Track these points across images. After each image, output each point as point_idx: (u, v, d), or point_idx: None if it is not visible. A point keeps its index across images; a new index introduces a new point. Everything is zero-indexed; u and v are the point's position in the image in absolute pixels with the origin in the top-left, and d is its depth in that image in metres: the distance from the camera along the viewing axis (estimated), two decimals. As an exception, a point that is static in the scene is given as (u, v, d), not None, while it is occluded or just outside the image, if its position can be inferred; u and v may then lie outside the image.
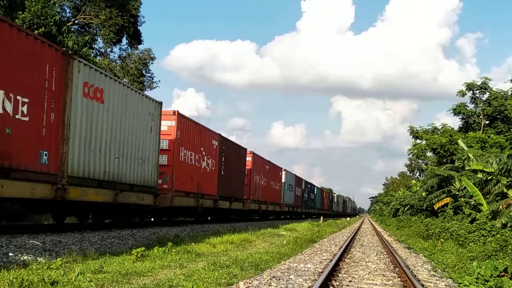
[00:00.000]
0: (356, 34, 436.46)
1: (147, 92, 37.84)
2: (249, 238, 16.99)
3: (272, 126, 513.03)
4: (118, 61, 39.32)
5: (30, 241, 9.78)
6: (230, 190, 24.28)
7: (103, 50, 39.07)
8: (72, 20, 36.32)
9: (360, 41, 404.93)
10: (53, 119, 10.76)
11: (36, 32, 22.27)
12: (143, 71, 38.44)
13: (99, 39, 37.69)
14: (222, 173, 22.96)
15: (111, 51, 39.14)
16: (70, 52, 11.74)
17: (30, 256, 9.07)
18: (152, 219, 20.20)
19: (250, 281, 8.25)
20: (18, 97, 9.64)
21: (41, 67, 10.38)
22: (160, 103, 16.20)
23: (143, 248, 10.60)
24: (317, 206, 61.57)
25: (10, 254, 8.88)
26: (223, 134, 23.03)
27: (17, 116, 9.64)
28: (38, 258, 9.10)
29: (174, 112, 17.58)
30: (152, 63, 39.43)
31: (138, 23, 37.48)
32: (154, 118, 15.73)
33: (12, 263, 8.42)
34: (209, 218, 24.18)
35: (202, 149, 20.18)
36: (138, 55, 38.66)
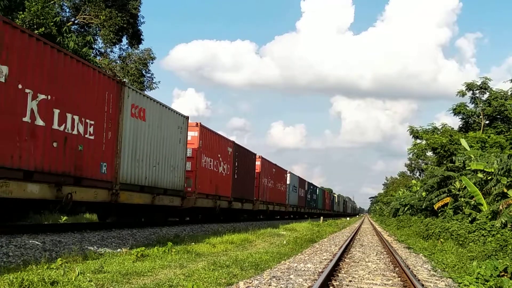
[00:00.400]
0: (356, 34, 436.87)
1: (147, 92, 38.04)
2: (249, 238, 17.00)
3: (272, 126, 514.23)
4: (118, 61, 39.33)
5: (30, 241, 9.78)
6: (242, 192, 26.79)
7: (103, 50, 39.08)
8: (72, 20, 36.32)
9: (360, 41, 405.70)
10: (110, 136, 13.25)
11: (36, 32, 22.28)
12: (143, 71, 38.45)
13: (99, 39, 37.68)
14: (236, 176, 25.41)
15: (111, 51, 39.15)
16: (123, 80, 14.35)
17: (30, 256, 9.08)
18: (177, 219, 22.16)
19: (250, 281, 8.25)
20: (87, 120, 12.16)
21: (102, 95, 12.86)
22: (187, 117, 18.68)
23: (143, 248, 10.61)
24: (319, 206, 63.80)
25: (10, 254, 8.89)
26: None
27: (86, 136, 12.12)
28: (38, 258, 9.11)
29: (197, 124, 20.02)
30: (152, 63, 39.45)
31: (138, 23, 37.49)
32: (182, 131, 18.27)
33: (12, 263, 8.43)
34: (221, 218, 25.92)
35: (219, 155, 22.65)
36: (138, 55, 38.67)
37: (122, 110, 13.76)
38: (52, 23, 23.39)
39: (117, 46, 38.44)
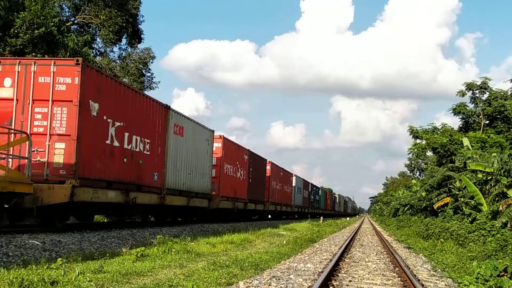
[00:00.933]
0: (356, 34, 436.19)
1: (147, 92, 38.09)
2: (249, 238, 17.00)
3: (272, 126, 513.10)
4: (118, 61, 39.31)
5: (30, 241, 9.78)
6: (255, 194, 30.29)
7: (102, 50, 39.06)
8: (72, 20, 36.30)
9: (360, 41, 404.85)
10: (159, 151, 16.48)
11: (36, 32, 22.30)
12: (143, 71, 38.43)
13: (98, 38, 37.66)
14: (250, 180, 28.86)
15: (111, 51, 39.13)
16: (168, 105, 17.07)
17: (30, 256, 9.08)
18: (195, 218, 24.15)
19: (250, 281, 8.25)
20: (145, 139, 15.35)
21: (155, 118, 16.08)
22: (213, 131, 21.89)
23: (143, 248, 10.60)
24: (321, 206, 67.38)
25: (10, 254, 8.89)
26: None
27: (144, 152, 15.29)
28: (38, 258, 9.11)
29: (220, 136, 23.30)
30: (152, 62, 39.44)
31: (138, 22, 37.46)
32: (209, 143, 21.49)
33: (12, 263, 8.43)
34: (238, 217, 29.03)
35: (237, 163, 26.14)
36: (138, 54, 38.64)
37: (168, 129, 17.09)
38: (52, 23, 23.39)
39: (117, 45, 38.43)
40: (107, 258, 9.79)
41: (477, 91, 33.32)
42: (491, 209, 18.03)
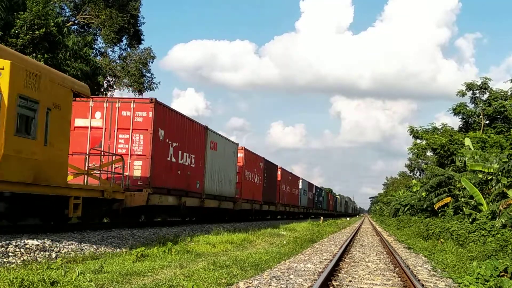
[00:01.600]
0: (355, 34, 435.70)
1: (147, 93, 38.30)
2: (249, 238, 16.99)
3: (272, 126, 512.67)
4: (118, 61, 39.31)
5: (30, 241, 9.79)
6: (269, 197, 34.30)
7: (103, 50, 39.06)
8: (72, 20, 36.32)
9: (359, 41, 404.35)
10: (200, 164, 20.39)
11: (37, 32, 22.29)
12: (143, 71, 38.42)
13: (99, 39, 37.67)
14: (265, 185, 32.87)
15: (112, 51, 39.13)
16: (207, 126, 21.07)
17: (30, 256, 9.08)
18: (227, 218, 27.90)
19: (250, 281, 8.25)
20: (191, 155, 19.27)
21: (198, 137, 20.08)
22: (237, 144, 26.18)
23: (143, 248, 10.60)
24: (324, 207, 71.84)
25: (10, 254, 8.89)
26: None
27: (191, 165, 19.30)
28: (38, 258, 9.11)
29: (242, 147, 27.49)
30: (152, 62, 39.44)
31: (138, 24, 37.46)
32: (234, 154, 25.58)
33: (12, 263, 8.43)
34: (251, 217, 33.41)
35: (255, 170, 30.35)
36: (138, 55, 38.64)
37: (206, 145, 21.05)
38: (52, 24, 23.39)
39: (117, 45, 38.43)
40: (107, 258, 9.79)
41: (477, 91, 33.32)
42: (491, 209, 18.03)
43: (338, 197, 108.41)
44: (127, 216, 16.44)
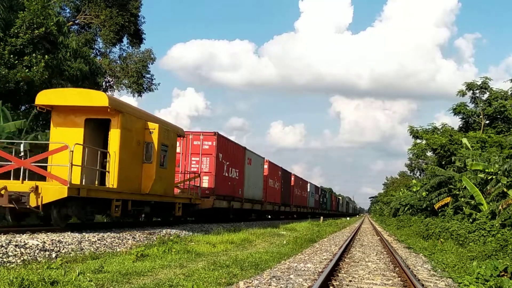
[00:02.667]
0: (354, 34, 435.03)
1: (147, 93, 38.34)
2: (249, 238, 16.99)
3: (271, 125, 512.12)
4: (118, 61, 39.29)
5: (30, 241, 9.79)
6: (284, 199, 40.88)
7: (103, 50, 39.04)
8: (72, 20, 36.30)
9: (358, 41, 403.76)
10: (241, 176, 26.63)
11: (36, 32, 22.27)
12: (143, 73, 38.41)
13: (99, 39, 37.65)
14: (282, 189, 39.29)
15: (110, 52, 39.10)
16: (245, 147, 27.92)
17: (30, 256, 9.08)
18: (254, 216, 35.19)
19: (250, 281, 8.25)
20: (235, 170, 25.15)
21: (240, 156, 26.47)
22: (264, 158, 32.87)
23: (143, 248, 10.61)
24: (328, 207, 79.56)
25: (10, 254, 8.89)
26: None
27: (235, 177, 25.25)
28: (38, 258, 9.11)
29: (267, 160, 33.84)
30: (152, 64, 39.43)
31: (139, 23, 37.45)
32: (262, 166, 32.28)
33: (12, 263, 8.43)
34: (269, 216, 40.58)
35: (275, 177, 36.82)
36: (138, 56, 38.62)
37: (245, 161, 27.57)
38: (52, 23, 23.37)
39: (117, 46, 38.41)
40: (107, 258, 9.79)
41: (477, 91, 33.30)
42: (491, 209, 18.03)
43: (340, 198, 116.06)
44: (199, 215, 22.80)
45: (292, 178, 44.95)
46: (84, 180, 12.95)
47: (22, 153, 12.75)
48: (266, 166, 33.24)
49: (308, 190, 55.10)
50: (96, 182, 13.46)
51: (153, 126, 15.41)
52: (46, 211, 12.17)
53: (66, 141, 12.40)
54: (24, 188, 11.45)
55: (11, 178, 12.33)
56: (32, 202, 11.37)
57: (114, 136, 13.70)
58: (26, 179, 12.10)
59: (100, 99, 13.40)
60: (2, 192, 11.30)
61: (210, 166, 21.72)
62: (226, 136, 25.47)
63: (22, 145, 12.87)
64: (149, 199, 15.71)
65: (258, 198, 30.71)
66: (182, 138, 20.19)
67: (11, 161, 12.13)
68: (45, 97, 13.57)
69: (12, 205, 11.39)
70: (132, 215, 16.06)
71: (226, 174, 23.58)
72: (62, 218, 12.46)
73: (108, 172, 13.63)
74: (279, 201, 38.03)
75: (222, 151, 22.66)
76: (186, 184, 20.38)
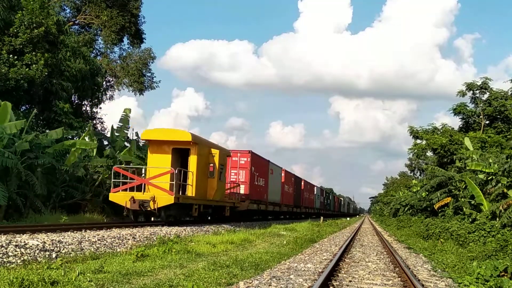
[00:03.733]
0: (354, 34, 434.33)
1: (148, 92, 38.36)
2: (249, 238, 16.98)
3: (271, 126, 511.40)
4: (118, 61, 39.29)
5: (30, 241, 9.79)
6: (296, 202, 45.71)
7: (103, 50, 39.04)
8: (73, 20, 36.29)
9: (357, 41, 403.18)
10: (266, 184, 31.99)
11: (35, 31, 22.28)
12: (143, 71, 38.43)
13: (99, 39, 37.64)
14: (294, 193, 44.27)
15: (111, 52, 39.09)
16: (268, 160, 33.43)
17: (30, 256, 9.08)
18: (270, 217, 39.88)
19: (250, 281, 8.25)
20: (262, 179, 30.99)
21: (265, 167, 32.23)
22: (281, 167, 38.46)
23: (143, 248, 10.60)
24: (331, 208, 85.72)
25: (10, 254, 8.89)
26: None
27: (261, 184, 30.87)
28: (38, 258, 9.11)
29: (283, 169, 39.02)
30: (152, 63, 39.46)
31: (139, 23, 37.46)
32: (280, 175, 37.49)
33: (12, 263, 8.43)
34: (287, 216, 45.91)
35: (289, 183, 41.70)
36: (138, 55, 38.63)
37: (268, 172, 32.56)
38: (51, 23, 23.37)
39: (117, 45, 38.40)
40: (107, 258, 9.79)
41: (477, 91, 33.29)
42: (491, 209, 18.02)
43: (342, 199, 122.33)
44: (238, 215, 26.91)
45: (302, 183, 50.35)
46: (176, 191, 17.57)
47: (143, 174, 19.05)
48: (283, 174, 38.77)
49: (315, 192, 60.95)
50: (180, 192, 18.19)
51: (215, 152, 20.33)
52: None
53: (159, 164, 18.11)
54: (146, 197, 16.61)
55: (127, 190, 17.25)
56: (151, 206, 16.49)
57: (193, 160, 18.72)
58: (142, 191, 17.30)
59: (185, 136, 18.43)
60: (133, 200, 16.43)
61: (246, 177, 27.40)
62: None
63: (143, 169, 19.63)
64: (212, 204, 21.16)
65: (277, 202, 36.17)
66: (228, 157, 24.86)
67: (133, 179, 17.65)
68: (145, 135, 19.00)
69: (139, 209, 16.70)
70: (203, 215, 21.70)
71: (256, 183, 29.29)
72: (167, 217, 17.72)
73: (190, 185, 18.52)
74: (292, 203, 43.27)
75: (254, 165, 28.54)
76: (230, 191, 25.60)
